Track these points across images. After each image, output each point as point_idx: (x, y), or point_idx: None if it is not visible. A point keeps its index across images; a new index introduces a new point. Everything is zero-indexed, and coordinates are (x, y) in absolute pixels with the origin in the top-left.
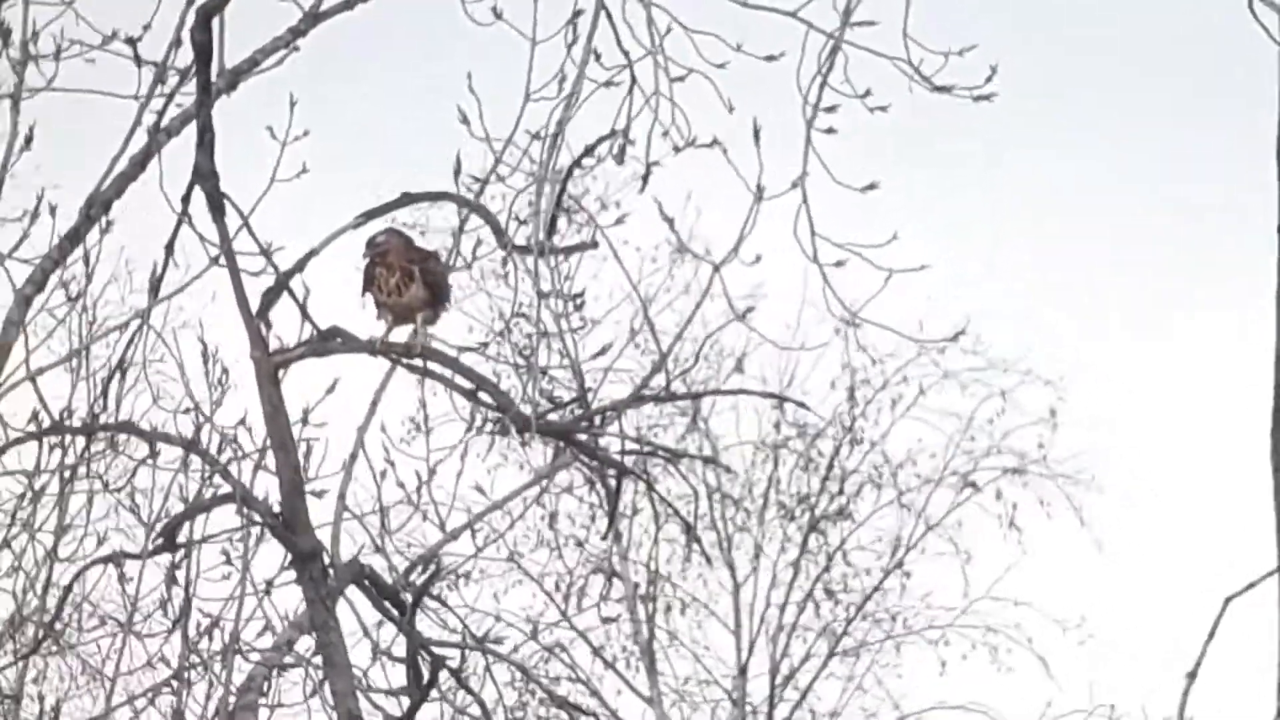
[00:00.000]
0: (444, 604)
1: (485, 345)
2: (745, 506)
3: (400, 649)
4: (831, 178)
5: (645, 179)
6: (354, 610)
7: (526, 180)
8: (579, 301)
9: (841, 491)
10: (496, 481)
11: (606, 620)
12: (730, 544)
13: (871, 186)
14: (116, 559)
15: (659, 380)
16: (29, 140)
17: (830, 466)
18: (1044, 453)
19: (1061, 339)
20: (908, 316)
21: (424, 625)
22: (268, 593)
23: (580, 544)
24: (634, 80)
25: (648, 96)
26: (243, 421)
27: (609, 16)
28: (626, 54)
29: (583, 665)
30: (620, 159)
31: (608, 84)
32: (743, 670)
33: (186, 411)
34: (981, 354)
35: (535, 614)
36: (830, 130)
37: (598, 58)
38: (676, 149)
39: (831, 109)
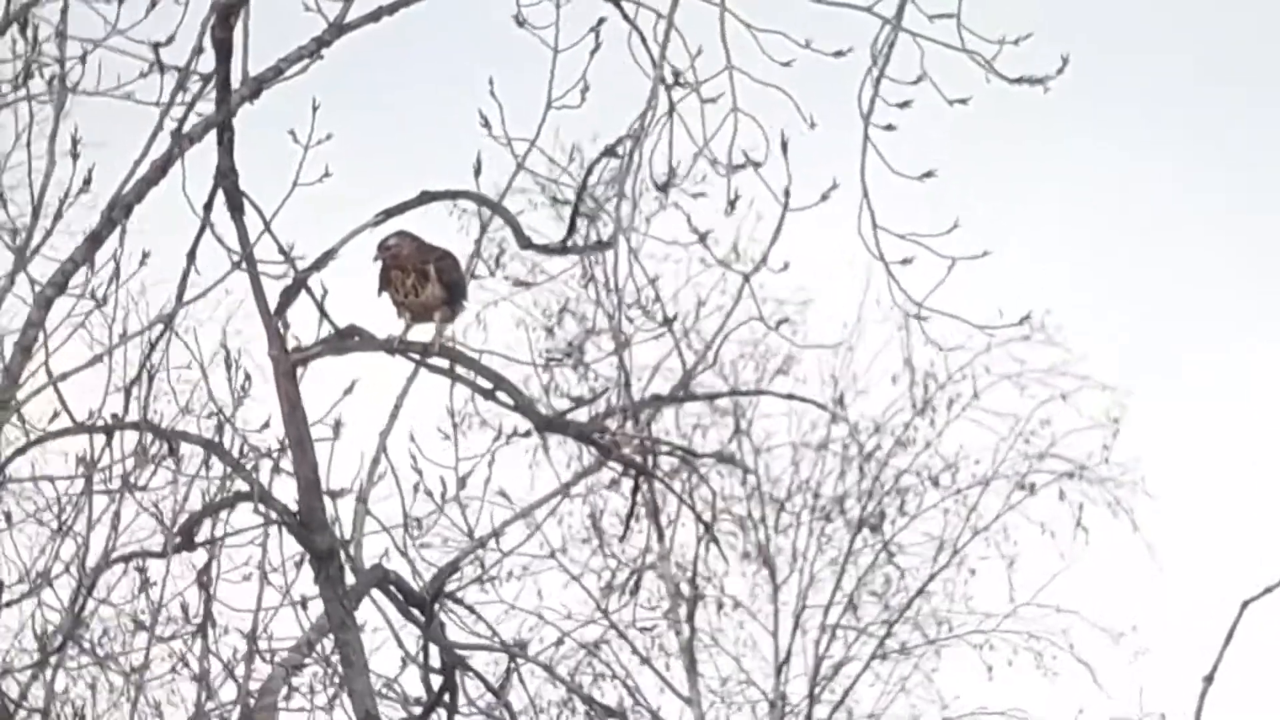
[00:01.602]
0: (469, 609)
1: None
2: (787, 508)
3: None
4: (889, 168)
5: (665, 188)
6: (383, 614)
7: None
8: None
9: (887, 493)
10: (535, 479)
11: (644, 630)
12: (770, 545)
13: (929, 174)
14: (135, 558)
15: (703, 381)
16: (87, 183)
17: (880, 468)
18: (1106, 455)
19: (1121, 340)
20: (968, 314)
21: (452, 631)
22: (303, 605)
23: (619, 539)
24: (672, 105)
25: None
26: (267, 424)
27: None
28: (663, 79)
29: (623, 663)
30: (665, 190)
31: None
32: (780, 670)
33: (210, 416)
34: (1050, 340)
35: (577, 611)
36: (890, 127)
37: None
38: (745, 163)
39: (905, 104)
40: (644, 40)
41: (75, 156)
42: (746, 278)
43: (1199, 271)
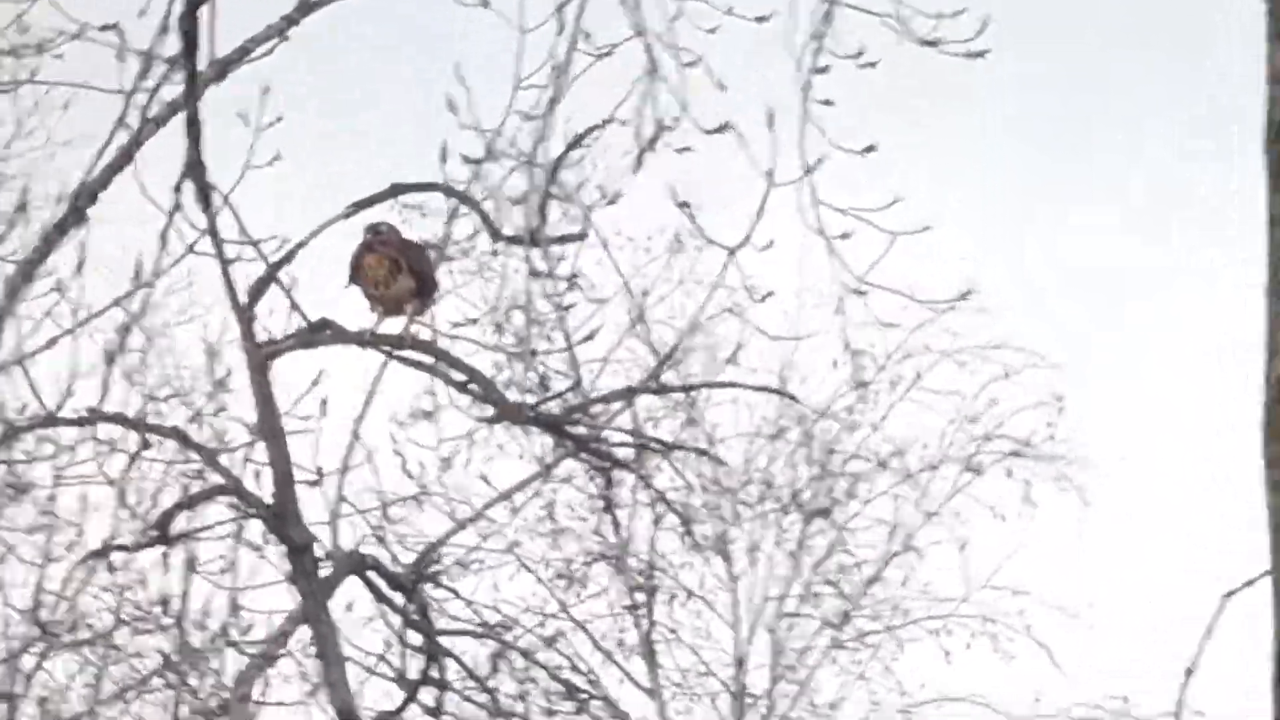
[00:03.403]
0: (454, 592)
1: (474, 321)
2: (741, 499)
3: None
4: (830, 143)
5: (640, 160)
6: (372, 594)
7: (515, 167)
8: (574, 282)
9: (836, 478)
10: (497, 472)
11: (631, 609)
12: (726, 536)
13: (870, 149)
14: (110, 551)
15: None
16: (22, 207)
17: (828, 454)
18: (1052, 433)
19: (1065, 316)
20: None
21: (435, 617)
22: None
23: (594, 531)
24: (654, 64)
25: (643, 79)
26: (226, 415)
27: None
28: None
29: (583, 656)
30: (652, 146)
31: (599, 57)
32: (740, 662)
33: (168, 398)
34: (986, 311)
35: (535, 604)
36: (827, 102)
37: (586, 37)
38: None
39: (823, 70)
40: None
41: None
42: (732, 252)
43: (1134, 239)
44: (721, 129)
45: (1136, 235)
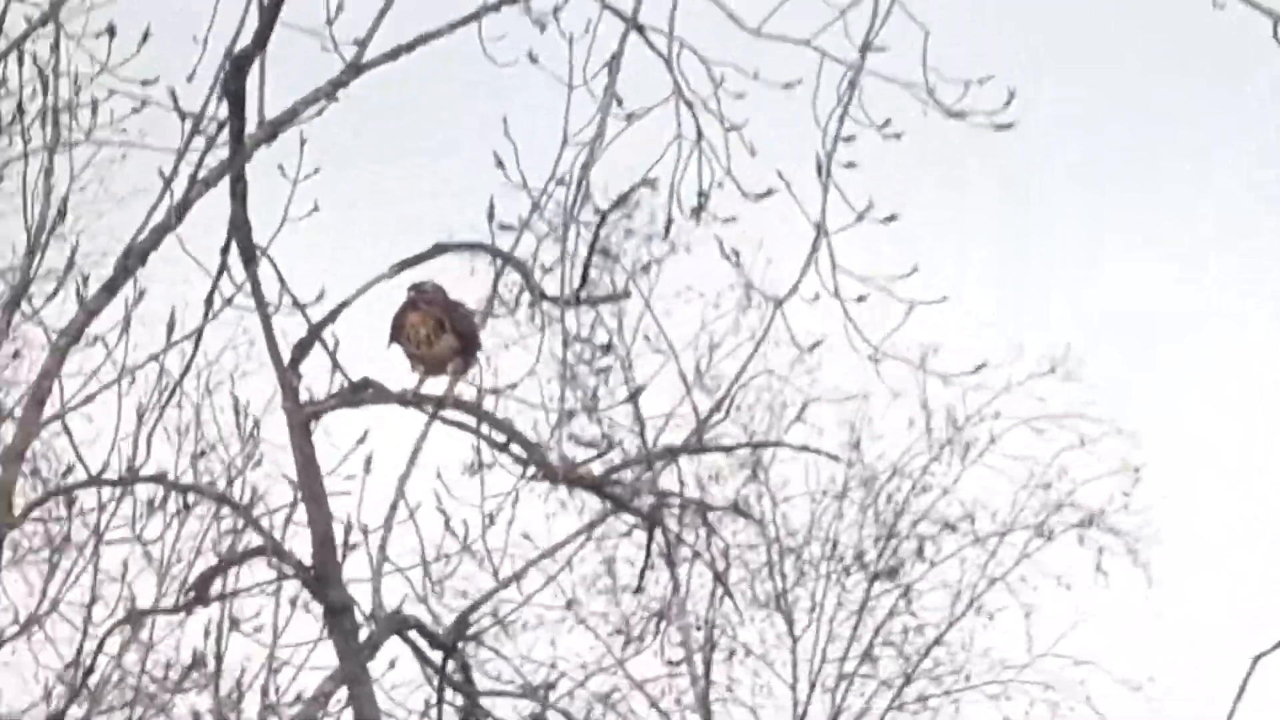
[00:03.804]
0: (495, 652)
1: (514, 386)
2: (804, 558)
3: (456, 701)
4: (851, 208)
5: (667, 228)
6: (414, 653)
7: (554, 228)
8: (606, 348)
9: (904, 541)
10: (553, 528)
11: (671, 664)
12: (787, 596)
13: (891, 218)
14: (149, 614)
15: (721, 429)
16: (62, 214)
17: (897, 516)
18: (1126, 503)
19: (1140, 384)
20: (991, 354)
21: (478, 677)
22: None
23: (635, 591)
24: (684, 129)
25: (693, 143)
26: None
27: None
28: (689, 104)
29: (639, 715)
30: (697, 215)
31: (630, 119)
32: None
33: (201, 455)
34: (1070, 377)
35: (591, 661)
36: (850, 164)
37: (619, 102)
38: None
39: (849, 139)
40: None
41: (62, 215)
42: (779, 304)
43: (1214, 314)
44: (768, 193)
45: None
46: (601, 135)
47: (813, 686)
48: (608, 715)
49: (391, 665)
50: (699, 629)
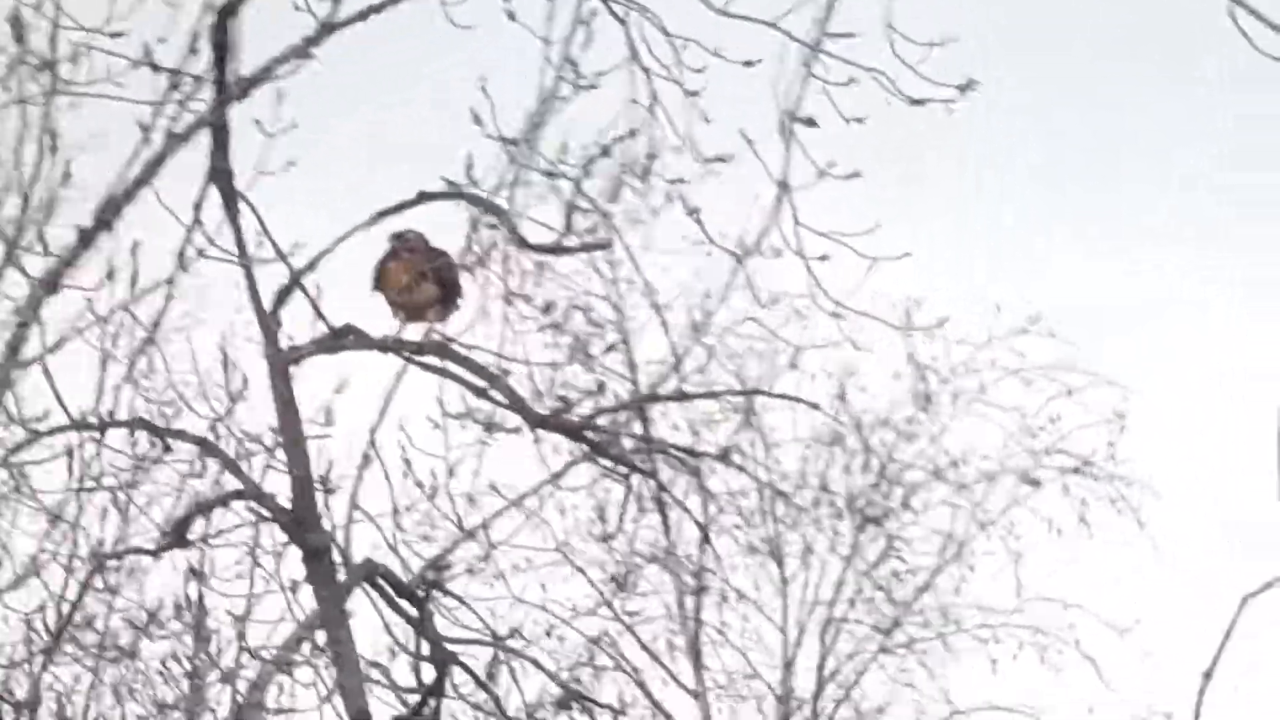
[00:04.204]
0: (460, 600)
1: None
2: (796, 503)
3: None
4: (813, 164)
5: (618, 188)
6: (375, 607)
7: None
8: (547, 308)
9: (893, 488)
10: (533, 475)
11: (631, 614)
12: (779, 541)
13: (855, 175)
14: (127, 554)
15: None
16: (67, 177)
17: (885, 463)
18: (1112, 452)
19: (1125, 336)
20: (974, 308)
21: (444, 625)
22: (293, 589)
23: (605, 538)
24: (655, 98)
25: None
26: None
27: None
28: (647, 71)
29: (629, 657)
30: (645, 177)
31: (590, 87)
32: (788, 665)
33: (179, 406)
34: (1052, 334)
35: (583, 605)
36: (810, 122)
37: (573, 66)
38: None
39: (809, 122)
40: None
41: (53, 151)
42: (739, 259)
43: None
44: (719, 159)
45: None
46: (552, 98)
47: (802, 630)
48: (596, 657)
49: (351, 615)
50: (689, 573)
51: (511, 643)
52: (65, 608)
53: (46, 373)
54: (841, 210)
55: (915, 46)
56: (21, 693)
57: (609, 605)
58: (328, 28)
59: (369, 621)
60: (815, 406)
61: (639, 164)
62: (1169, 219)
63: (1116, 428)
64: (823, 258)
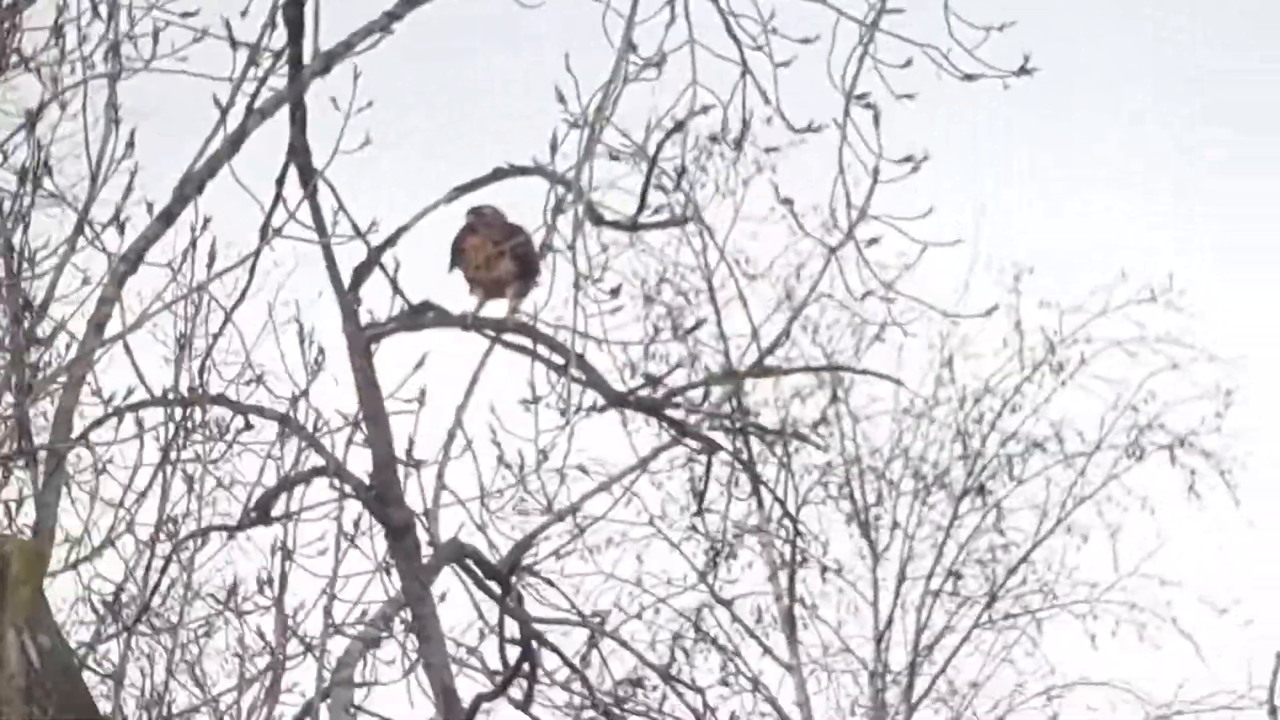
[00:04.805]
0: (548, 581)
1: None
2: (886, 477)
3: (510, 628)
4: (872, 152)
5: (739, 144)
6: (464, 586)
7: (623, 159)
8: (615, 291)
9: (991, 459)
10: (622, 452)
11: (726, 603)
12: (869, 514)
13: (910, 160)
14: (212, 530)
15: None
16: (130, 146)
17: (986, 434)
18: (1218, 425)
19: (1236, 311)
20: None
21: (533, 604)
22: (386, 571)
23: (694, 514)
24: (746, 67)
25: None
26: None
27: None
28: (738, 41)
29: (726, 630)
30: (739, 146)
31: (646, 66)
32: (880, 639)
33: (255, 382)
34: (1171, 305)
35: (678, 579)
36: (869, 106)
37: (634, 48)
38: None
39: (863, 97)
40: (724, 16)
41: (116, 123)
42: (833, 250)
43: None
44: (812, 128)
45: None
46: (615, 80)
47: (895, 605)
48: (693, 631)
49: (442, 598)
50: (790, 549)
51: (600, 623)
52: (148, 583)
53: (128, 350)
54: (901, 192)
55: (972, 29)
56: (109, 666)
57: (703, 580)
58: (408, 1)
59: (459, 601)
60: (899, 383)
61: (730, 135)
62: None
63: (1221, 403)
64: (872, 241)
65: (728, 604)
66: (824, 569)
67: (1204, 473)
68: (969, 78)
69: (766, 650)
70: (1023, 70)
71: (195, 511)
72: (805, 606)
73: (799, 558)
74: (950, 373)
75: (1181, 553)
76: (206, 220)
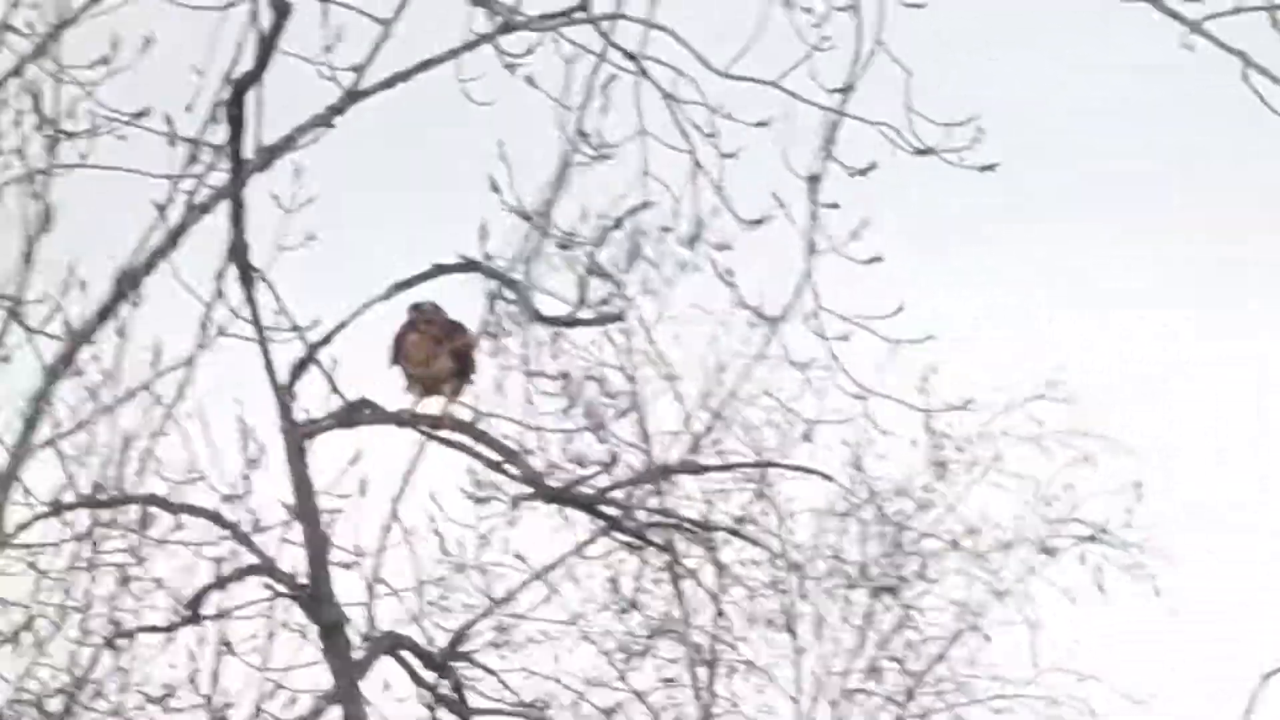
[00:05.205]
0: (488, 670)
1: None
2: (810, 574)
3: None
4: (837, 252)
5: (693, 242)
6: (407, 674)
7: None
8: (564, 376)
9: (907, 556)
10: (554, 548)
11: (665, 681)
12: (792, 611)
13: (876, 259)
14: (142, 631)
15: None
16: (48, 219)
17: (899, 532)
18: (1129, 520)
19: (1140, 405)
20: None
21: (473, 696)
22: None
23: (622, 610)
24: (695, 162)
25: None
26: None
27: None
28: (680, 126)
29: None
30: (692, 245)
31: (601, 157)
32: None
33: (195, 481)
34: (1069, 400)
35: (594, 677)
36: (833, 205)
37: (585, 137)
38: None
39: (816, 178)
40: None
41: (47, 219)
42: (773, 322)
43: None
44: (761, 221)
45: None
46: (563, 175)
47: (815, 701)
48: None
49: (386, 687)
50: (700, 645)
51: (536, 713)
52: (76, 682)
53: (59, 454)
54: (861, 284)
55: (935, 126)
56: None
57: (622, 677)
58: (352, 96)
59: (402, 691)
60: (829, 478)
61: (655, 233)
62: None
63: (1133, 495)
64: (843, 338)
65: (645, 700)
66: (738, 667)
67: (1124, 565)
68: (921, 152)
69: None
70: (988, 168)
71: (125, 610)
72: (728, 703)
73: (718, 655)
74: (861, 473)
75: (1100, 646)
76: (121, 331)
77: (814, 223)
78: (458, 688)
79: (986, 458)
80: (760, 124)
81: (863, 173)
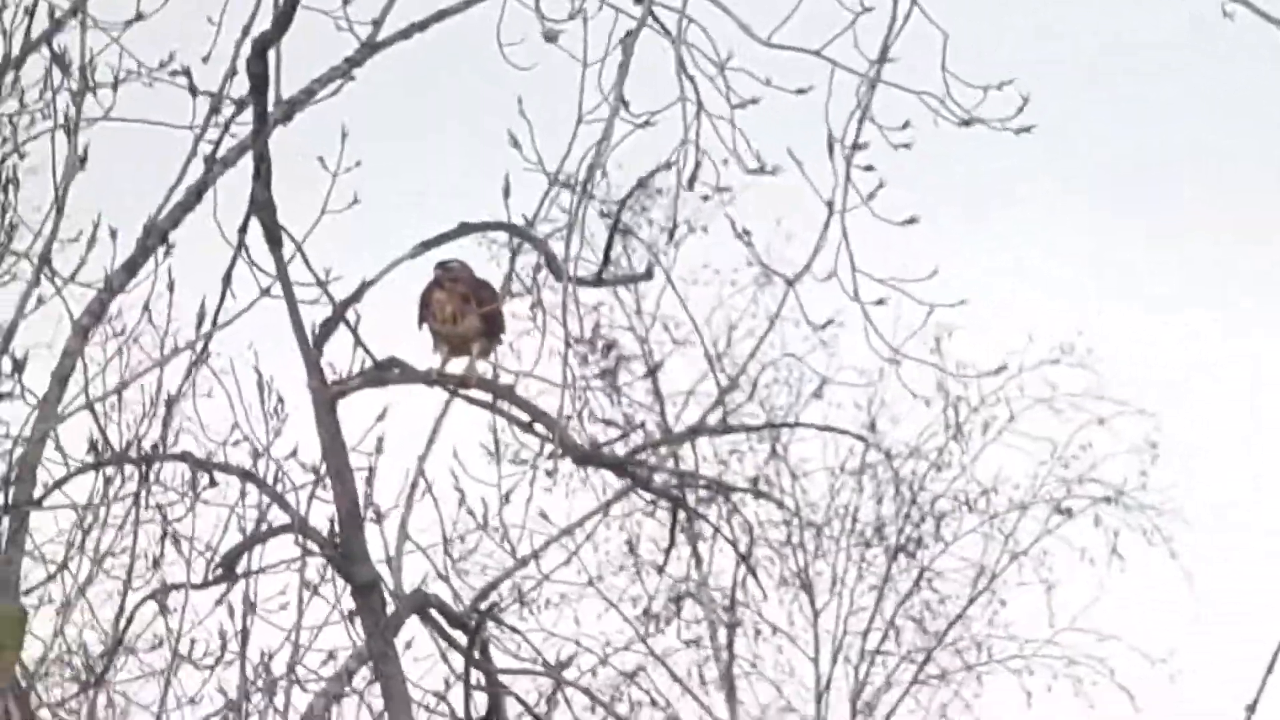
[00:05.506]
0: (514, 630)
1: (527, 374)
2: (826, 534)
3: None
4: (871, 213)
5: (673, 231)
6: (433, 637)
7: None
8: (609, 347)
9: (923, 520)
10: (574, 507)
11: (688, 643)
12: (809, 571)
13: (912, 220)
14: (175, 589)
15: (734, 408)
16: (83, 161)
17: (915, 493)
18: (1144, 482)
19: (1157, 365)
20: (999, 340)
21: (497, 654)
22: (350, 620)
23: (659, 569)
24: (700, 106)
25: (685, 130)
26: (294, 454)
27: (671, 38)
28: (693, 80)
29: (663, 690)
30: (691, 185)
31: (645, 124)
32: (820, 696)
33: (237, 444)
34: (1082, 364)
35: (615, 638)
36: (869, 168)
37: (625, 105)
38: (751, 170)
39: (862, 146)
40: (680, 56)
41: (83, 161)
42: (791, 283)
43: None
44: (764, 170)
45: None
46: (608, 137)
47: (834, 661)
48: (632, 691)
49: (408, 646)
50: (722, 606)
51: (562, 672)
52: (118, 636)
53: (91, 410)
54: (895, 246)
55: (971, 88)
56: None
57: (642, 639)
58: (369, 47)
59: (426, 648)
60: (860, 438)
61: (685, 178)
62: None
63: (1148, 457)
64: (879, 302)
65: (665, 662)
66: (758, 631)
67: (1138, 526)
68: (965, 123)
69: (705, 710)
70: (1024, 130)
71: (159, 568)
72: (748, 664)
73: (738, 616)
74: (875, 434)
75: (1118, 606)
76: (171, 283)
77: (848, 183)
78: (484, 647)
79: (1001, 419)
80: (800, 91)
81: (906, 146)
